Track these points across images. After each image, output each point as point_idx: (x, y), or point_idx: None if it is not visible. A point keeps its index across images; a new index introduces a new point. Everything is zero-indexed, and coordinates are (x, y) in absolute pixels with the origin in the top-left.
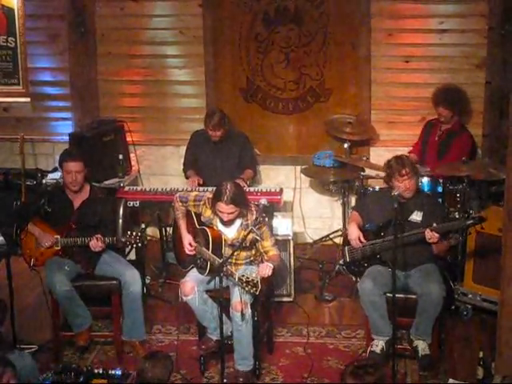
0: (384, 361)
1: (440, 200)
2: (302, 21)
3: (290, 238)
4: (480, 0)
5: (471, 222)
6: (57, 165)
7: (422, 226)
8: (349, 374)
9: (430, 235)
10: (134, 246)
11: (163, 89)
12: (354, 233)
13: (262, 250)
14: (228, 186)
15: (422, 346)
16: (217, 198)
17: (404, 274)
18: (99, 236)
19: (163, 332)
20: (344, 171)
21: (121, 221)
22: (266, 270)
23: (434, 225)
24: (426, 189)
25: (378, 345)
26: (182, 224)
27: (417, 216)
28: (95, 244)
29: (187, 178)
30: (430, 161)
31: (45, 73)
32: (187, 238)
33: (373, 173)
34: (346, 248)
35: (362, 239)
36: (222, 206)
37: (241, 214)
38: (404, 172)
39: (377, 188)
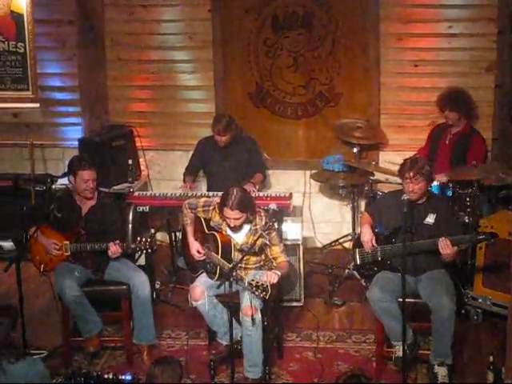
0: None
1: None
2: (310, 25)
3: (299, 242)
4: (489, 4)
5: (483, 237)
6: (66, 170)
7: (435, 229)
8: None
9: (444, 244)
10: (144, 252)
11: (172, 94)
12: (367, 235)
13: (270, 257)
14: (234, 192)
15: (443, 374)
16: (223, 203)
17: (414, 279)
18: (118, 242)
19: (173, 337)
20: (353, 176)
21: (130, 226)
22: (271, 277)
23: (442, 238)
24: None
25: (401, 350)
26: (190, 231)
27: (430, 218)
28: (115, 250)
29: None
30: (442, 165)
31: (54, 78)
32: (195, 246)
33: (382, 177)
34: (357, 250)
35: (374, 243)
36: (227, 212)
37: (247, 219)
38: (407, 175)
39: (386, 192)
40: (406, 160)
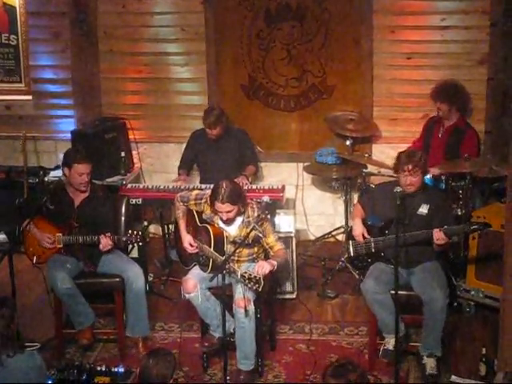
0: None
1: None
2: (303, 17)
3: (292, 235)
4: None
5: (476, 227)
6: (59, 163)
7: (428, 219)
8: (330, 376)
9: (439, 236)
10: (135, 244)
11: (165, 86)
12: (358, 229)
13: (266, 247)
14: (223, 185)
15: (431, 365)
16: (213, 197)
17: (407, 271)
18: (109, 234)
19: (166, 329)
20: (346, 168)
21: (123, 218)
22: (262, 268)
23: (436, 230)
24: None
25: (391, 342)
26: (182, 224)
27: (423, 209)
28: (105, 242)
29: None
30: (435, 158)
31: (47, 70)
32: (187, 239)
33: (375, 170)
34: (351, 242)
35: (366, 235)
36: (218, 206)
37: (239, 211)
38: (406, 168)
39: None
40: (401, 153)
